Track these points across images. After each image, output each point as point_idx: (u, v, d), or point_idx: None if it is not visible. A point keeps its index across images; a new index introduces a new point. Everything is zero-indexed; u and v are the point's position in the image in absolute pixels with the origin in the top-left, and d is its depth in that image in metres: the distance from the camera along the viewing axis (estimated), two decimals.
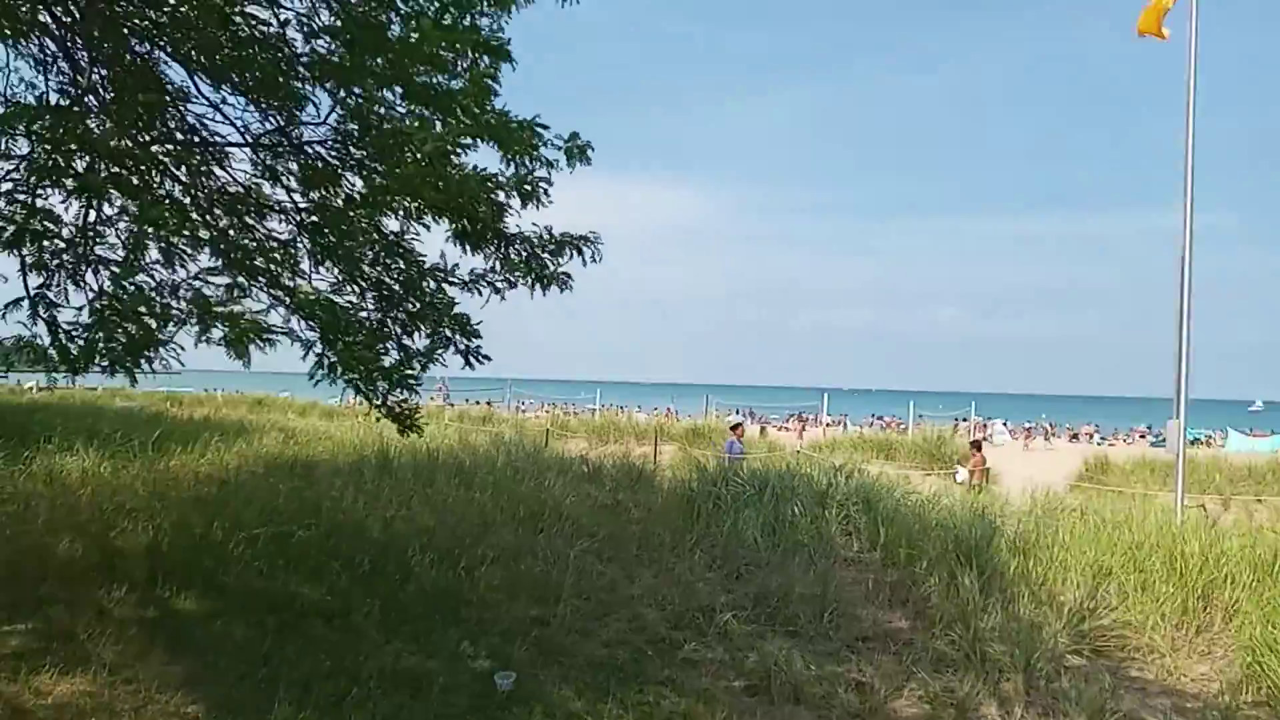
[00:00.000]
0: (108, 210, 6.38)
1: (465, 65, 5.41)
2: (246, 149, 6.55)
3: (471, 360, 6.78)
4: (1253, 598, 7.61)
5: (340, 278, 6.76)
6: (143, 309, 6.11)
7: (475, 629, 6.98)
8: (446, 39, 5.09)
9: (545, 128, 5.63)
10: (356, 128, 5.84)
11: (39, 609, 6.38)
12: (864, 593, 8.20)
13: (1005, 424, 53.01)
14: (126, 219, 6.42)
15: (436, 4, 5.29)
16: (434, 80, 5.41)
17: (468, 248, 6.56)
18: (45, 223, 5.88)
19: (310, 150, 6.26)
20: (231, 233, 6.76)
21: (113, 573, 6.98)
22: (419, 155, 5.46)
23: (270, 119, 6.29)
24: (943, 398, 59.90)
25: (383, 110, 5.73)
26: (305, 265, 6.76)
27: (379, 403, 6.91)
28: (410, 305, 6.88)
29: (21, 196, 5.72)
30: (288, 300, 6.56)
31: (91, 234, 6.24)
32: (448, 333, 6.79)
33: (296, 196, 6.66)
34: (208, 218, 6.66)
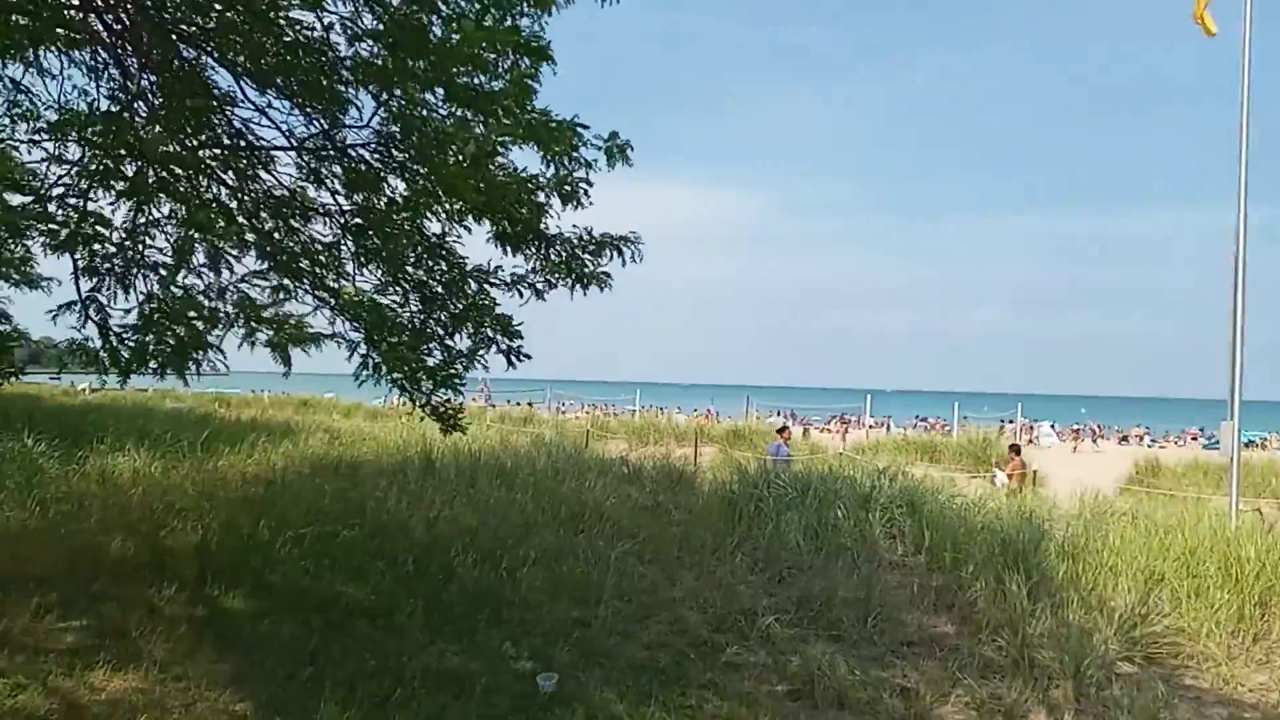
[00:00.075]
0: (155, 214, 6.51)
1: (506, 66, 5.42)
2: (291, 153, 6.63)
3: (513, 359, 6.81)
4: None
5: (384, 279, 6.83)
6: (191, 312, 6.23)
7: (517, 630, 7.00)
8: (487, 40, 5.10)
9: (585, 127, 5.61)
10: (399, 130, 5.87)
11: (92, 606, 6.52)
12: (909, 597, 8.08)
13: (1053, 425, 51.60)
14: (174, 223, 6.54)
15: (478, 5, 5.30)
16: (475, 81, 5.42)
17: (508, 249, 6.58)
18: (96, 227, 6.01)
19: (354, 153, 6.32)
20: (277, 236, 6.86)
21: (163, 571, 7.12)
22: (460, 157, 5.48)
23: (314, 123, 6.36)
24: (988, 399, 59.01)
25: (425, 112, 5.75)
26: (349, 267, 6.85)
27: (423, 402, 6.97)
28: (453, 306, 6.92)
29: (73, 200, 5.85)
30: (332, 302, 6.63)
31: (141, 237, 6.36)
32: (490, 333, 6.82)
33: (340, 199, 6.74)
34: (253, 221, 6.76)
